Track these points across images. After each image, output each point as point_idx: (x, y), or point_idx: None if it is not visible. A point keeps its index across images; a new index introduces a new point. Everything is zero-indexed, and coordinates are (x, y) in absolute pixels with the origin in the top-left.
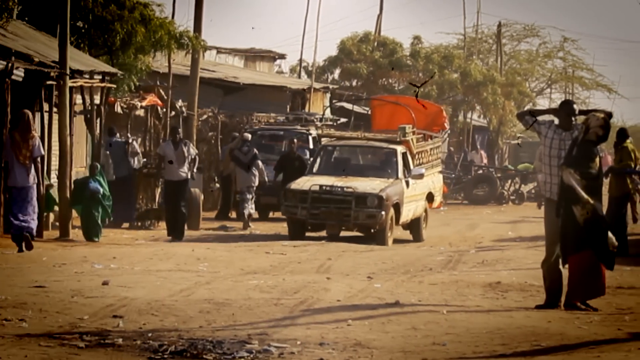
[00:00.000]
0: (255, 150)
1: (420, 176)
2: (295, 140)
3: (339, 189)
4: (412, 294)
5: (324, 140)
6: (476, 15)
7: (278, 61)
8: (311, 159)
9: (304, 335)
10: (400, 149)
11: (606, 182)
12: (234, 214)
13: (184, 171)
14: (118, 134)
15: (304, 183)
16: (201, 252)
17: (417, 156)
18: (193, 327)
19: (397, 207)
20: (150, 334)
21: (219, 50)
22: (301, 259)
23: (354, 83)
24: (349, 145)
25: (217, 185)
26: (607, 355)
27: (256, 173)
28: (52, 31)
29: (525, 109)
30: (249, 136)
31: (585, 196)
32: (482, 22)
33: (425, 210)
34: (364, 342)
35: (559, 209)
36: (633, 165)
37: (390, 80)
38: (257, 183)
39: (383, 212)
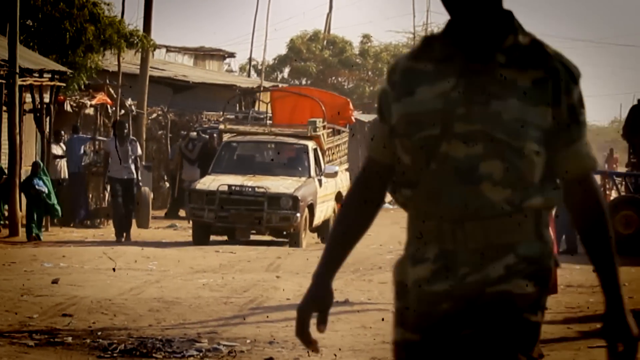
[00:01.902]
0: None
1: (334, 174)
2: (214, 135)
3: (250, 189)
4: (361, 293)
5: (226, 137)
6: (426, 13)
7: (227, 60)
8: None
9: (254, 333)
10: (311, 144)
11: None
12: (183, 213)
13: (130, 169)
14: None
15: (210, 183)
16: (150, 251)
17: (327, 152)
18: (143, 325)
19: (312, 208)
20: (99, 333)
21: (169, 49)
22: (251, 258)
23: (304, 82)
24: (255, 141)
25: (167, 184)
26: (556, 353)
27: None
28: (2, 30)
29: None
30: (194, 134)
31: None
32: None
33: (334, 212)
34: None
35: None
36: None
37: (339, 79)
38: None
39: (298, 214)
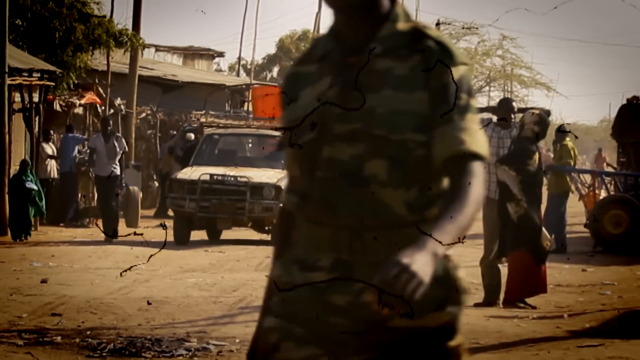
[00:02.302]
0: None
1: None
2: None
3: (232, 179)
4: None
5: (207, 130)
6: (415, 13)
7: (217, 59)
8: None
9: (243, 333)
10: None
11: (546, 179)
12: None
13: (115, 166)
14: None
15: (191, 173)
16: (139, 250)
17: None
18: (132, 325)
19: None
20: (88, 332)
21: (158, 48)
22: (240, 257)
23: None
24: (237, 134)
25: (156, 183)
26: (545, 353)
27: None
28: None
29: None
30: (192, 135)
31: (518, 193)
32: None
33: None
34: None
35: (500, 207)
36: (573, 163)
37: None
38: None
39: (280, 204)
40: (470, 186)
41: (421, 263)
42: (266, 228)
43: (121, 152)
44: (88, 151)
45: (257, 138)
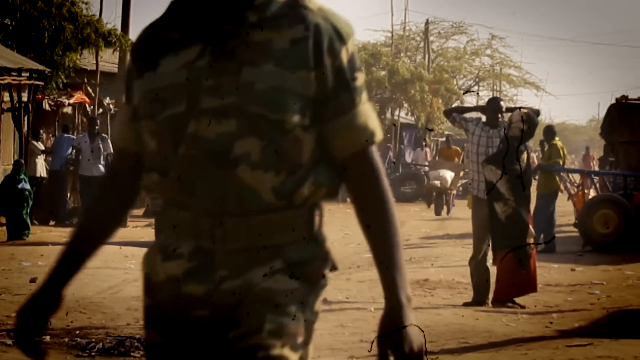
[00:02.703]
0: None
1: None
2: None
3: None
4: (339, 292)
5: None
6: (404, 12)
7: None
8: None
9: None
10: None
11: (535, 179)
12: None
13: (98, 166)
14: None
15: None
16: (128, 250)
17: None
18: (121, 324)
19: None
20: (77, 332)
21: None
22: None
23: None
24: None
25: None
26: (534, 352)
27: None
28: None
29: (453, 106)
30: None
31: (506, 193)
32: (409, 20)
33: None
34: None
35: (488, 207)
36: (562, 163)
37: None
38: None
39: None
40: (386, 187)
41: (413, 330)
42: None
43: (105, 153)
44: (74, 151)
45: None
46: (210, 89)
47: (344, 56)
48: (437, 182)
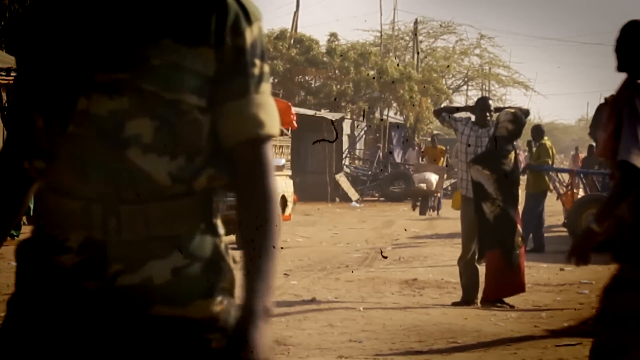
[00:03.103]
0: None
1: (281, 167)
2: None
3: None
4: (328, 291)
5: None
6: (393, 12)
7: None
8: None
9: None
10: None
11: (524, 178)
12: None
13: None
14: None
15: None
16: None
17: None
18: None
19: None
20: None
21: None
22: None
23: (271, 80)
24: None
25: None
26: (523, 352)
27: None
28: None
29: (442, 105)
30: None
31: (494, 193)
32: (398, 19)
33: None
34: (281, 339)
35: (476, 207)
36: (551, 162)
37: (306, 77)
38: None
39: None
40: (270, 183)
41: (263, 345)
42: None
43: None
44: None
45: None
46: (104, 63)
47: (248, 37)
48: (423, 185)
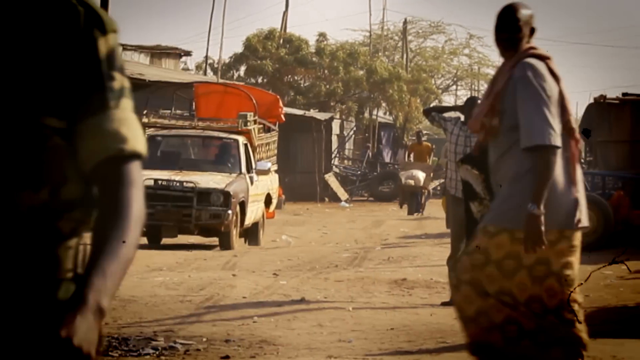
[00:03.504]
0: None
1: (267, 171)
2: None
3: (177, 184)
4: (317, 291)
5: (149, 131)
6: (382, 12)
7: (184, 58)
8: None
9: (210, 332)
10: (242, 139)
11: None
12: None
13: None
14: None
15: None
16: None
17: (257, 149)
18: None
19: (243, 207)
20: None
21: (125, 47)
22: (207, 256)
23: (260, 80)
24: (181, 135)
25: None
26: None
27: None
28: None
29: (431, 105)
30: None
31: (482, 192)
32: (388, 19)
33: (263, 215)
34: (270, 339)
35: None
36: None
37: (295, 77)
38: None
39: (230, 211)
40: (132, 203)
41: (83, 331)
42: (215, 234)
43: None
44: None
45: (202, 140)
46: None
47: (103, 48)
48: (411, 182)
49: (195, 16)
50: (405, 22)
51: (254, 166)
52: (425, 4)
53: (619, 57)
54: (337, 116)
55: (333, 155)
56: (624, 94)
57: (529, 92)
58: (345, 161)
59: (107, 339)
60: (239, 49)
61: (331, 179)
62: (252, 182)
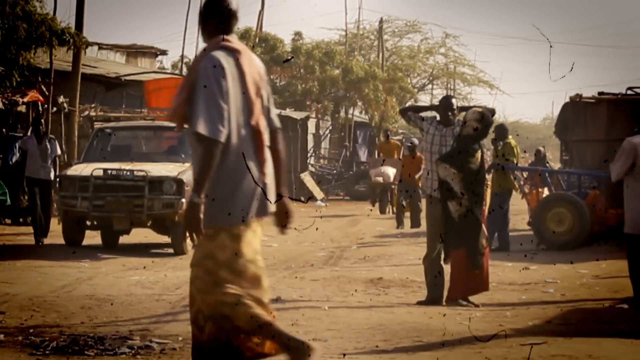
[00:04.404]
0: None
1: None
2: None
3: (128, 173)
4: (293, 290)
5: (98, 125)
6: (358, 11)
7: (160, 57)
8: None
9: (186, 331)
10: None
11: (489, 177)
12: None
13: (48, 169)
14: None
15: (83, 169)
16: (82, 249)
17: None
18: (75, 323)
19: None
20: (32, 330)
21: (101, 47)
22: (182, 255)
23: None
24: (132, 127)
25: None
26: (488, 350)
27: None
28: None
29: (407, 104)
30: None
31: (460, 191)
32: (363, 18)
33: None
34: None
35: (442, 206)
36: (515, 161)
37: (271, 76)
38: None
39: (183, 200)
40: None
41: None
42: (167, 227)
43: (54, 155)
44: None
45: (154, 131)
46: None
47: None
48: (380, 179)
49: (171, 16)
50: (381, 21)
51: None
52: (401, 3)
53: (595, 57)
54: (313, 115)
55: (309, 155)
56: (600, 93)
57: (210, 87)
58: (321, 160)
59: (83, 338)
60: None
61: (307, 178)
62: None
